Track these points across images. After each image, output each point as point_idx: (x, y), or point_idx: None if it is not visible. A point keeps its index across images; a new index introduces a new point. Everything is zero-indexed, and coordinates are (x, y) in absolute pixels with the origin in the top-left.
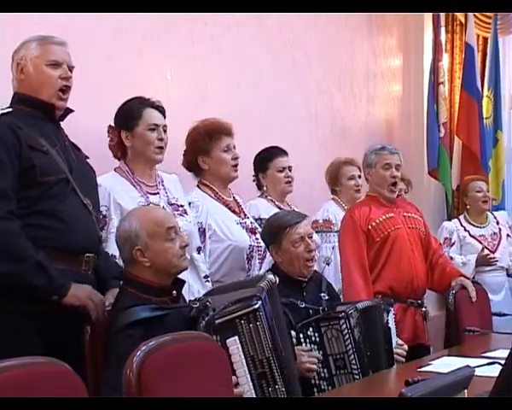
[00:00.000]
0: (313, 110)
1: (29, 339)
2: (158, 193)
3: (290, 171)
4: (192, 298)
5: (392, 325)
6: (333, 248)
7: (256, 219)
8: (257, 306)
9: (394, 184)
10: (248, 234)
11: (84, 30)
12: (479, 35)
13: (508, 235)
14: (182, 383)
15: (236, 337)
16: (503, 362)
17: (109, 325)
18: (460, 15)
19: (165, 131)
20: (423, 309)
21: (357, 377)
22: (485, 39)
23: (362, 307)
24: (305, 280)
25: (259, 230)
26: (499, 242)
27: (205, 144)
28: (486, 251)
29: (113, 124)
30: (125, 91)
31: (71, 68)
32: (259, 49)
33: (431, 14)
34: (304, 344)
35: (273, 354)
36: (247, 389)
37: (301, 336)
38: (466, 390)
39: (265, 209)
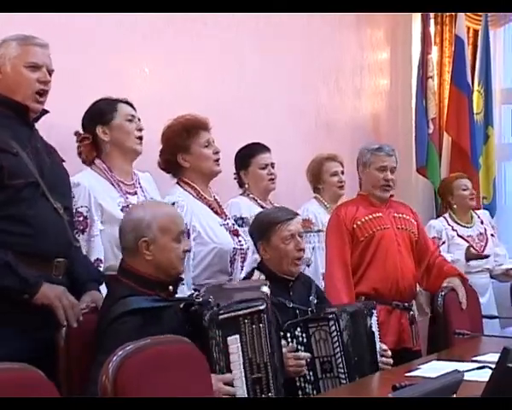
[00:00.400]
0: (297, 105)
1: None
2: (136, 193)
3: (273, 168)
4: None
5: (375, 329)
6: (313, 249)
7: (237, 219)
8: (262, 307)
9: (387, 185)
10: (231, 236)
11: (58, 25)
12: (469, 27)
13: (492, 235)
14: (161, 387)
15: (238, 336)
16: (493, 366)
17: (103, 314)
18: None
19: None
20: (411, 313)
21: (344, 381)
22: (476, 32)
23: (352, 311)
24: (291, 279)
25: (242, 231)
26: (486, 242)
27: (183, 141)
28: (476, 240)
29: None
30: (101, 86)
31: (50, 72)
32: (242, 42)
33: None
34: (290, 344)
35: (270, 361)
36: (240, 392)
37: (288, 335)
38: (455, 395)
39: (247, 208)
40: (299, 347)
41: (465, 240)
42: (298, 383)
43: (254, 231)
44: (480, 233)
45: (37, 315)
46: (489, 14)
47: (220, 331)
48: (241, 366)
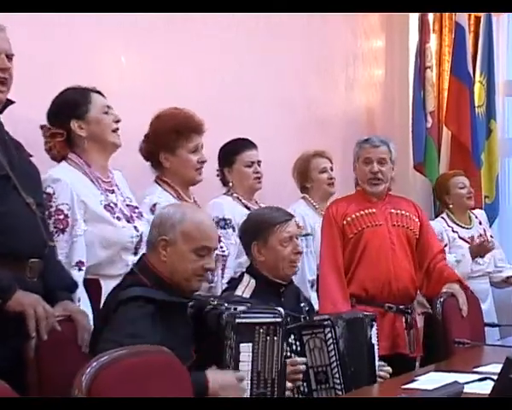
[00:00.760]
0: (285, 98)
1: None
2: (114, 191)
3: (259, 166)
4: None
5: (375, 341)
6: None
7: (220, 220)
8: (279, 320)
9: (374, 179)
10: None
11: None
12: (470, 14)
13: (491, 236)
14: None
15: (251, 345)
16: (495, 378)
17: (111, 298)
18: None
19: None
20: (408, 316)
21: (340, 392)
22: (478, 19)
23: (348, 318)
24: (284, 284)
25: (225, 233)
26: None
27: (171, 141)
28: (477, 241)
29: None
30: (73, 77)
31: (10, 56)
32: (226, 31)
33: None
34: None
35: (278, 379)
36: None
37: None
38: None
39: (231, 209)
40: (293, 355)
41: (467, 242)
42: (290, 394)
43: (247, 231)
44: (481, 234)
45: (8, 321)
46: None
47: (235, 335)
48: (249, 378)
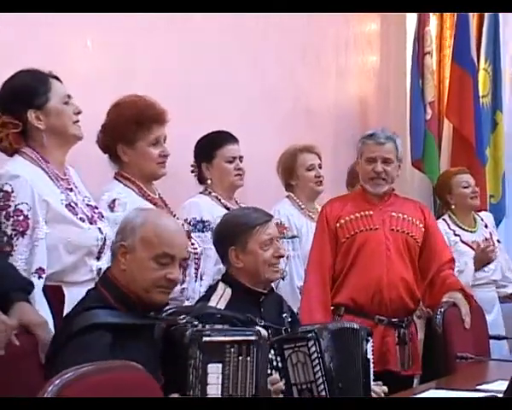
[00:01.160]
0: (270, 87)
1: None
2: (72, 189)
3: (241, 162)
4: None
5: (370, 356)
6: (287, 258)
7: (197, 222)
8: (253, 338)
9: (377, 179)
10: None
11: None
12: None
13: (498, 241)
14: None
15: (220, 365)
16: (501, 396)
17: (64, 326)
18: None
19: None
20: (402, 331)
21: None
22: None
23: (334, 329)
24: (264, 293)
25: (203, 236)
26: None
27: (129, 132)
28: (482, 246)
29: None
30: (34, 62)
31: None
32: (205, 16)
33: None
34: None
35: None
36: None
37: None
38: None
39: (209, 209)
40: (273, 372)
41: (470, 246)
42: None
43: (223, 236)
44: (486, 239)
45: None
46: None
47: (201, 355)
48: None
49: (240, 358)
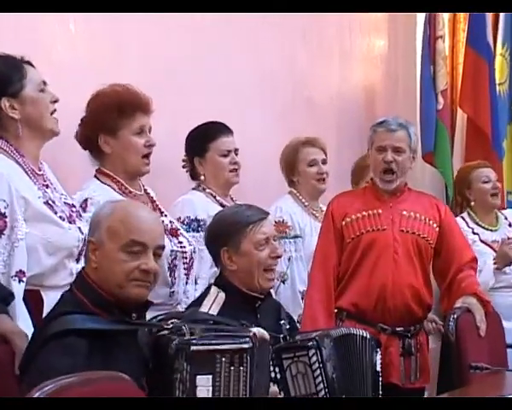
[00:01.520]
0: (268, 74)
1: None
2: (48, 186)
3: (236, 155)
4: None
5: (379, 369)
6: (289, 260)
7: (191, 221)
8: (246, 346)
9: (388, 171)
10: (168, 237)
11: None
12: None
13: None
14: None
15: (210, 377)
16: None
17: (38, 332)
18: None
19: None
20: (407, 341)
21: None
22: None
23: (337, 336)
24: (260, 297)
25: (198, 236)
26: None
27: (111, 120)
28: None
29: None
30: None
31: None
32: None
33: None
34: None
35: None
36: None
37: None
38: None
39: (204, 207)
40: (272, 384)
41: (489, 246)
42: None
43: (215, 236)
44: (509, 238)
45: None
46: None
47: (189, 366)
48: None
49: (232, 368)
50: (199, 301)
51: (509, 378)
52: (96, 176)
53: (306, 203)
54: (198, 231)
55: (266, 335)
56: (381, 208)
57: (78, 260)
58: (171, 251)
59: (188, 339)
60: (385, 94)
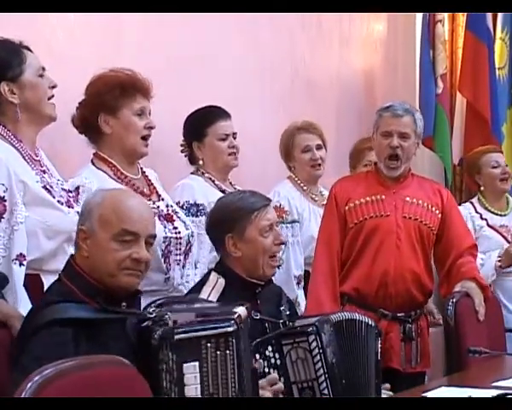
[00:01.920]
0: (267, 58)
1: None
2: (45, 172)
3: (235, 139)
4: None
5: (380, 357)
6: (285, 245)
7: (191, 205)
8: (231, 329)
9: (393, 156)
10: (162, 222)
11: None
12: None
13: None
14: None
15: (197, 364)
16: None
17: (27, 321)
18: None
19: None
20: (408, 326)
21: None
22: None
23: (336, 321)
24: (261, 284)
25: (198, 221)
26: None
27: (113, 99)
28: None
29: None
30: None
31: None
32: None
33: None
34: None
35: (239, 396)
36: None
37: (257, 357)
38: None
39: (203, 192)
40: (272, 371)
41: (497, 231)
42: None
43: (218, 223)
44: None
45: None
46: None
47: (175, 355)
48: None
49: (218, 352)
50: (197, 287)
51: (508, 362)
52: (92, 161)
53: (305, 188)
54: (197, 216)
55: (245, 312)
56: (384, 194)
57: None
58: (165, 237)
59: (171, 328)
60: (384, 78)
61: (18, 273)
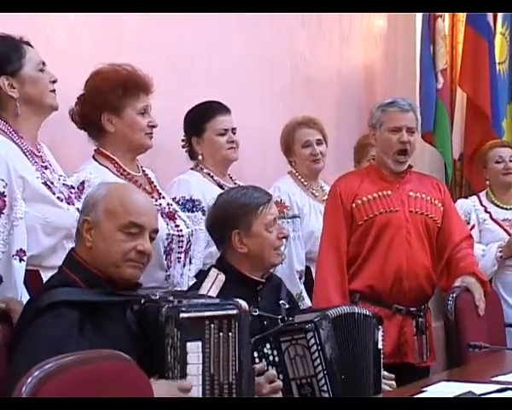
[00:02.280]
0: (268, 54)
1: None
2: (47, 167)
3: (234, 134)
4: None
5: (381, 346)
6: (286, 240)
7: (187, 201)
8: (234, 312)
9: (403, 151)
10: (165, 220)
11: None
12: None
13: None
14: None
15: (200, 343)
16: None
17: (28, 307)
18: None
19: None
20: (420, 320)
21: None
22: None
23: (335, 316)
24: (262, 281)
25: (193, 216)
26: None
27: (116, 98)
28: None
29: None
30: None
31: None
32: None
33: None
34: (260, 364)
35: (237, 383)
36: None
37: (255, 354)
38: None
39: (200, 187)
40: (270, 368)
41: (499, 225)
42: None
43: (223, 219)
44: None
45: None
46: None
47: (179, 333)
48: (199, 383)
49: (221, 334)
50: (196, 285)
51: (508, 357)
52: (94, 157)
53: (305, 183)
54: (193, 211)
55: (247, 306)
56: (389, 189)
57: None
58: (168, 234)
59: (176, 306)
60: (384, 73)
61: (18, 269)
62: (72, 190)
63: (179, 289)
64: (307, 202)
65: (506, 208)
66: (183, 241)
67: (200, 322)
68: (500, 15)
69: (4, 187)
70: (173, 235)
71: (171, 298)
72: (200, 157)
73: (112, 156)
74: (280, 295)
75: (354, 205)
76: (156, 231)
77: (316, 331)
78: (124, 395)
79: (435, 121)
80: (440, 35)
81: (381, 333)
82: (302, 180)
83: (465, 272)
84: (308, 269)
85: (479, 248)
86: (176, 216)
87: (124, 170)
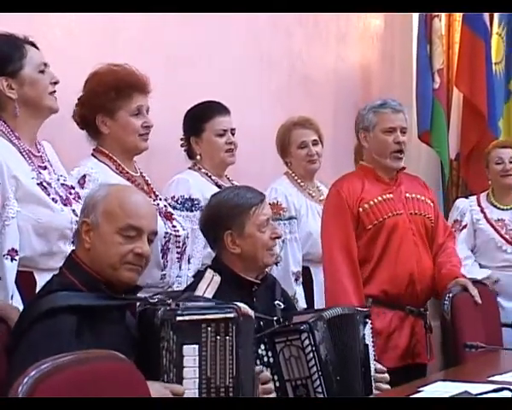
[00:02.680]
0: (265, 54)
1: None
2: (46, 167)
3: (233, 135)
4: None
5: (369, 342)
6: (283, 241)
7: (185, 200)
8: (231, 315)
9: (399, 152)
10: (162, 219)
11: None
12: None
13: None
14: None
15: (197, 346)
16: None
17: (26, 311)
18: None
19: None
20: (428, 319)
21: None
22: None
23: (330, 317)
24: (257, 282)
25: (192, 215)
26: None
27: (109, 101)
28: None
29: None
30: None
31: None
32: None
33: None
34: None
35: (234, 386)
36: None
37: None
38: None
39: (199, 187)
40: (265, 369)
41: (491, 225)
42: None
43: (216, 220)
44: None
45: None
46: None
47: (175, 336)
48: (196, 386)
49: (218, 337)
50: (192, 286)
51: (504, 357)
52: (93, 154)
53: (302, 184)
54: (192, 211)
55: (250, 311)
56: (389, 192)
57: (73, 243)
58: (166, 233)
59: (173, 309)
60: (381, 73)
61: (10, 269)
62: (72, 191)
63: (175, 289)
64: (304, 202)
65: (502, 209)
66: (179, 241)
67: (197, 325)
68: (496, 15)
69: None
70: (170, 234)
71: (169, 301)
72: (198, 157)
73: (111, 155)
74: (275, 295)
75: (361, 209)
76: (155, 233)
77: (310, 332)
78: (120, 396)
79: (432, 121)
80: (437, 35)
81: (368, 327)
82: (299, 181)
83: (450, 278)
84: (307, 270)
85: (462, 249)
86: (173, 217)
87: (123, 168)
